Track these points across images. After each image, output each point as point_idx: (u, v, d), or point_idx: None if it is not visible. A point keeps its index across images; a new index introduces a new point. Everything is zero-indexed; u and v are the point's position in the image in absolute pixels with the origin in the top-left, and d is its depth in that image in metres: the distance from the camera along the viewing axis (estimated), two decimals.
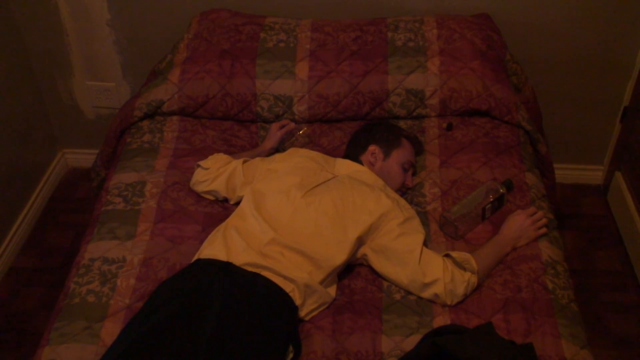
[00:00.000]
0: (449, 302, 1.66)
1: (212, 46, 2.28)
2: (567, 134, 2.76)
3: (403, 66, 2.22)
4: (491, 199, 1.89)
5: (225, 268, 1.62)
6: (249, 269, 1.63)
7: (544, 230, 1.84)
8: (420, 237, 1.72)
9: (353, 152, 1.99)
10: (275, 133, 2.14)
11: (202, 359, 1.43)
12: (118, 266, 1.76)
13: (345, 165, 1.93)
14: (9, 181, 2.61)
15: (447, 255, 1.72)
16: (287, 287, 1.61)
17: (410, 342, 1.58)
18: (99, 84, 2.76)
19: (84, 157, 2.95)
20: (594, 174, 2.88)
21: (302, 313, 1.63)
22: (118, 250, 1.80)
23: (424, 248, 1.71)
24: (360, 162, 1.95)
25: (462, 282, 1.66)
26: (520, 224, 1.82)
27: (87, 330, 1.61)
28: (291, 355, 1.55)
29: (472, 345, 1.45)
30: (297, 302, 1.61)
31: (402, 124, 2.22)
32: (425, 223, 1.89)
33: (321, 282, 1.66)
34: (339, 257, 1.68)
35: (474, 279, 1.68)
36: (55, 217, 2.79)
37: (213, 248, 1.69)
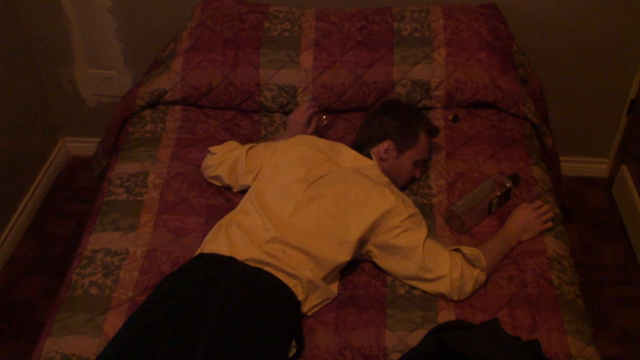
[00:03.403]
0: (455, 299, 1.65)
1: (215, 35, 2.25)
2: (573, 126, 2.73)
3: (409, 57, 2.19)
4: (498, 193, 1.87)
5: (228, 263, 1.61)
6: (252, 264, 1.61)
7: (549, 224, 1.82)
8: (423, 233, 1.69)
9: (365, 142, 1.91)
10: (299, 119, 2.01)
11: (203, 352, 1.42)
12: (121, 258, 1.75)
13: (351, 157, 1.88)
14: (10, 169, 2.59)
15: (457, 250, 1.70)
16: (290, 282, 1.60)
17: (415, 337, 1.56)
18: (101, 71, 2.73)
19: (85, 146, 2.93)
20: (599, 167, 2.86)
21: (305, 308, 1.62)
22: (121, 242, 1.79)
23: (429, 243, 1.68)
24: (369, 155, 1.89)
25: (471, 279, 1.65)
26: (526, 218, 1.80)
27: (89, 322, 1.60)
28: (294, 350, 1.54)
29: (478, 341, 1.44)
30: (300, 297, 1.60)
31: None
32: (430, 216, 1.87)
33: (323, 279, 1.64)
34: (342, 257, 1.66)
35: (482, 277, 1.66)
36: (56, 205, 2.77)
37: (216, 243, 1.67)
